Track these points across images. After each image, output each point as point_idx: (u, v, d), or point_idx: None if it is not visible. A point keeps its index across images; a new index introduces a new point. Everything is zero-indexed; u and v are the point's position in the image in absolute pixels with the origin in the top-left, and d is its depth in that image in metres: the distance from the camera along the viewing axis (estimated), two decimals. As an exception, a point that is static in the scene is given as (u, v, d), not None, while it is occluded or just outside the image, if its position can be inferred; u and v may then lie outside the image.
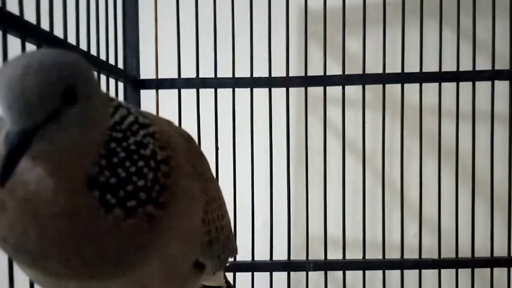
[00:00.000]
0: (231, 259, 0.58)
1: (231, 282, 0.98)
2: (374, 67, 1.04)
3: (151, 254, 0.39)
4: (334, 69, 1.03)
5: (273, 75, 0.97)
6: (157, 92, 0.97)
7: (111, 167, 0.36)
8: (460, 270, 0.98)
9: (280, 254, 0.99)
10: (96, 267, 0.37)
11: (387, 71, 0.97)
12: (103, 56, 0.83)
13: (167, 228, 0.39)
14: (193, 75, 0.97)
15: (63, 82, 0.33)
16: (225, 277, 0.65)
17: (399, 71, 0.97)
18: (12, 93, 0.32)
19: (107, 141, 0.37)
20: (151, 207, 0.37)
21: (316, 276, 1.03)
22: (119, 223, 0.36)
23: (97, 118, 0.37)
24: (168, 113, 0.57)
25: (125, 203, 0.36)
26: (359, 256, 1.00)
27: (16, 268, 0.44)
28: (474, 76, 0.96)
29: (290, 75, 0.97)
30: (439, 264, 0.97)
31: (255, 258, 0.98)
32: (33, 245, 0.36)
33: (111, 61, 0.86)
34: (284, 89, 0.97)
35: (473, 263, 0.97)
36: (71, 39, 0.72)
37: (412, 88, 0.98)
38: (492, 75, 0.96)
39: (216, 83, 0.97)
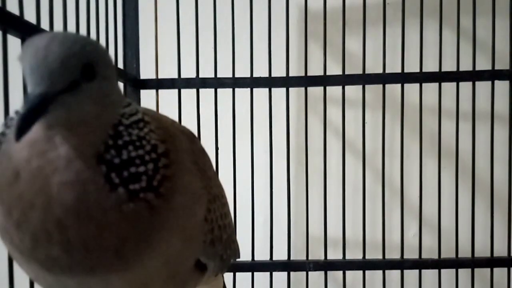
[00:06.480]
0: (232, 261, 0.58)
1: (231, 282, 0.98)
2: (374, 67, 1.04)
3: (151, 248, 0.39)
4: (334, 69, 1.03)
5: (273, 75, 0.97)
6: (157, 92, 0.98)
7: (116, 148, 0.38)
8: (460, 270, 0.98)
9: (280, 254, 0.99)
10: (95, 253, 0.37)
11: (387, 71, 0.97)
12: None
13: (168, 222, 0.39)
14: (193, 75, 0.97)
15: (84, 55, 0.35)
16: (224, 286, 0.65)
17: (399, 71, 0.97)
18: (36, 58, 0.34)
19: (116, 124, 0.39)
20: (152, 196, 0.38)
21: (316, 276, 1.03)
22: (121, 204, 0.37)
23: (111, 100, 0.39)
24: (168, 113, 0.57)
25: (128, 185, 0.37)
26: (359, 256, 1.00)
27: (16, 268, 0.44)
28: (474, 76, 0.96)
29: (290, 75, 0.97)
30: (439, 264, 0.97)
31: (255, 258, 0.98)
32: (36, 219, 0.36)
33: (111, 61, 0.86)
34: (284, 89, 0.97)
35: (473, 263, 0.97)
36: (71, 39, 0.72)
37: (412, 88, 0.98)
38: (492, 75, 0.96)
39: (216, 83, 0.97)
